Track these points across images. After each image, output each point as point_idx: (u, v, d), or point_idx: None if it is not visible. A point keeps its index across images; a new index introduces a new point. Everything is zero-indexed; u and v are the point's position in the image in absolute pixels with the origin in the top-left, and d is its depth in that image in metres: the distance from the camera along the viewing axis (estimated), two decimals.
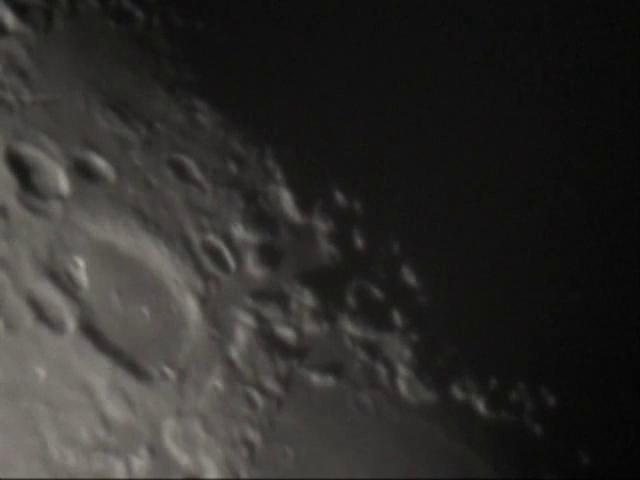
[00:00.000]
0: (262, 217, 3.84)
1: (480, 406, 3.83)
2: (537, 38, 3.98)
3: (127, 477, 3.85)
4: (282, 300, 3.85)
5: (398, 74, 3.82)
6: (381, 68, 3.82)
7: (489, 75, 3.87)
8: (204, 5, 3.83)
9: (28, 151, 3.83)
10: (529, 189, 3.88)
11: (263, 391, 3.84)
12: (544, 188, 3.87)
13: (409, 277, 3.85)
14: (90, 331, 3.85)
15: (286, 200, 3.85)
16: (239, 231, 3.83)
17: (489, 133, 3.91)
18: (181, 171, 3.84)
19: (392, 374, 3.84)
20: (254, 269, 3.85)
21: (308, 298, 3.85)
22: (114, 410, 3.85)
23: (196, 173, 3.84)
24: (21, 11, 3.84)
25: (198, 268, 3.85)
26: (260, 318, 3.84)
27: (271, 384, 3.84)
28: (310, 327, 3.84)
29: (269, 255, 3.86)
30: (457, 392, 3.83)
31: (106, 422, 3.85)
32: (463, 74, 3.85)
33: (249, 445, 3.84)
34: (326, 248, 3.85)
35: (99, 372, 3.86)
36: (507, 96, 3.90)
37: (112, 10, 3.83)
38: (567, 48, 4.00)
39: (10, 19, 3.83)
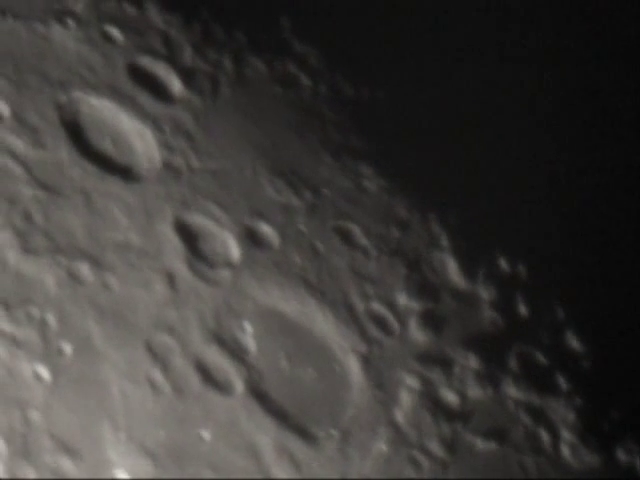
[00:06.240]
0: (425, 284, 3.87)
1: None
2: None
3: None
4: (446, 364, 3.89)
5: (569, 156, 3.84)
6: (547, 142, 3.85)
7: None
8: (370, 73, 3.85)
9: (197, 219, 3.86)
10: None
11: (428, 454, 3.88)
12: None
13: (573, 342, 3.88)
14: (257, 393, 3.89)
15: (450, 266, 3.88)
16: (403, 298, 3.86)
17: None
18: (346, 237, 3.87)
19: (556, 438, 3.87)
20: (418, 334, 3.88)
21: (472, 362, 3.88)
22: (280, 473, 3.89)
23: (361, 239, 3.87)
24: (188, 78, 3.86)
25: (362, 333, 3.88)
26: (425, 381, 3.88)
27: (436, 447, 3.88)
28: (474, 391, 3.88)
29: (433, 320, 3.89)
30: (621, 455, 3.87)
31: None
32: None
33: None
34: (489, 314, 3.88)
35: (265, 434, 3.89)
36: None
37: (279, 76, 3.86)
38: None
39: (177, 86, 3.86)
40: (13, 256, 3.77)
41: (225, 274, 3.86)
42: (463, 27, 3.86)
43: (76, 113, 3.87)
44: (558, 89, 3.90)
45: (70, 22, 3.80)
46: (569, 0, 4.03)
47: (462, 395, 3.88)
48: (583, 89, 3.95)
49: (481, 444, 3.88)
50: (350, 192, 3.86)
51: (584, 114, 3.94)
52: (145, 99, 3.86)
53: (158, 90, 3.87)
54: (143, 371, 3.87)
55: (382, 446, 3.88)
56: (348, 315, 3.88)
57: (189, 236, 3.87)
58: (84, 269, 3.84)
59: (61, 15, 3.81)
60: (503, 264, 3.87)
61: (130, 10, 3.84)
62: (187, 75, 3.86)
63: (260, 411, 3.88)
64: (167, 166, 3.86)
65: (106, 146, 3.89)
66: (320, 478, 3.89)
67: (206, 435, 3.88)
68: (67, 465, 3.77)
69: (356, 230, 3.87)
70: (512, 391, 3.87)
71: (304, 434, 3.89)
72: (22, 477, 3.78)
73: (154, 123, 3.86)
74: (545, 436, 3.87)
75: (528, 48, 3.93)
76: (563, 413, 3.87)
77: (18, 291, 3.79)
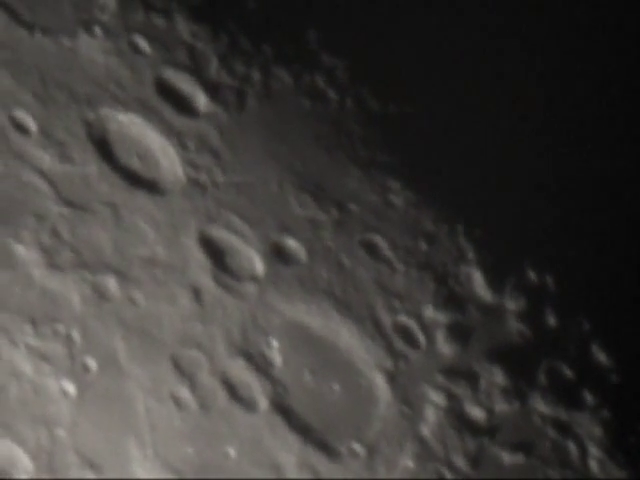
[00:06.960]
0: (452, 297, 3.86)
1: None
2: None
3: None
4: (472, 378, 3.87)
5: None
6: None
7: None
8: (397, 87, 3.84)
9: (222, 233, 3.84)
10: None
11: (454, 469, 3.87)
12: None
13: (600, 355, 3.87)
14: (281, 409, 3.87)
15: (477, 279, 3.86)
16: (430, 311, 3.85)
17: None
18: (373, 251, 3.86)
19: (583, 452, 3.86)
20: (444, 347, 3.87)
21: (498, 376, 3.87)
22: None
23: (387, 253, 3.86)
24: (214, 91, 3.84)
25: (388, 347, 3.87)
26: (450, 396, 3.86)
27: (461, 462, 3.87)
28: (500, 405, 3.87)
29: (459, 333, 3.88)
30: None
31: None
32: None
33: None
34: (516, 327, 3.87)
35: (289, 450, 3.88)
36: None
37: (305, 89, 3.84)
38: None
39: (202, 100, 3.84)
40: (39, 272, 3.75)
41: (251, 288, 3.84)
42: (490, 43, 3.86)
43: (103, 128, 3.85)
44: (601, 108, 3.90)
45: (98, 31, 3.78)
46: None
47: (488, 409, 3.87)
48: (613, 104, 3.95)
49: (507, 458, 3.87)
50: (377, 206, 3.84)
51: (611, 127, 3.94)
52: (171, 113, 3.84)
53: (184, 104, 3.85)
54: (168, 387, 3.85)
55: (408, 461, 3.86)
56: (374, 329, 3.86)
57: (215, 250, 3.85)
58: (110, 284, 3.82)
59: (89, 25, 3.78)
60: (530, 276, 3.86)
61: (158, 21, 3.81)
62: (213, 88, 3.83)
63: (284, 427, 3.86)
64: (193, 180, 3.84)
65: (133, 160, 3.86)
66: None
67: (231, 452, 3.86)
68: None
69: (383, 244, 3.85)
70: (539, 405, 3.86)
71: (327, 449, 3.88)
72: None
73: (180, 137, 3.84)
74: (572, 450, 3.86)
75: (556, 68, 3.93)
76: (590, 427, 3.86)
77: (44, 307, 3.76)
